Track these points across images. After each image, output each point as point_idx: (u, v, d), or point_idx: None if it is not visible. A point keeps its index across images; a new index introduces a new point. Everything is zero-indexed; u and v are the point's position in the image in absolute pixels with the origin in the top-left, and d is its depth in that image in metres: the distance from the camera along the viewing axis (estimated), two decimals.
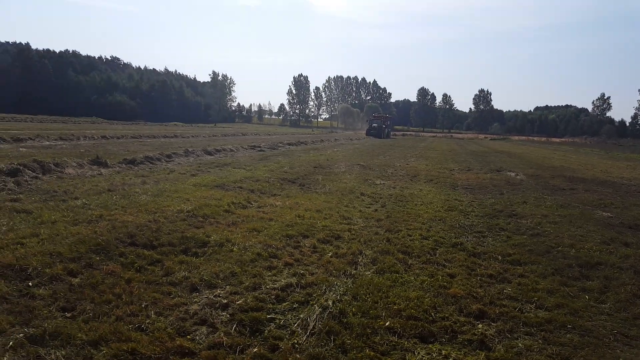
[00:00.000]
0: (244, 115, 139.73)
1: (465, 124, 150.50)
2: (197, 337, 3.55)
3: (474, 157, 27.55)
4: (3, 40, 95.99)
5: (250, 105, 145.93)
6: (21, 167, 10.06)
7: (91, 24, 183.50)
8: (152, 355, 3.22)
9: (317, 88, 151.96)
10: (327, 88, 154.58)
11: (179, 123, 72.41)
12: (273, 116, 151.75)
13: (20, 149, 15.81)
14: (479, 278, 5.12)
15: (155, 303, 4.06)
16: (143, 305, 3.98)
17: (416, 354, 3.42)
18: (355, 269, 5.29)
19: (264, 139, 34.05)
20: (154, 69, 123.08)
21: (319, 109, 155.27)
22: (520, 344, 3.63)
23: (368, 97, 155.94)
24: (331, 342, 3.52)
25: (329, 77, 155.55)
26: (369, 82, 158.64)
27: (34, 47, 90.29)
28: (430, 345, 3.56)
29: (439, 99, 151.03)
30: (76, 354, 3.16)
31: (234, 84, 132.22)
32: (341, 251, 5.96)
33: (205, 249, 5.68)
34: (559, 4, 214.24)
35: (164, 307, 4.00)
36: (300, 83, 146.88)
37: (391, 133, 70.30)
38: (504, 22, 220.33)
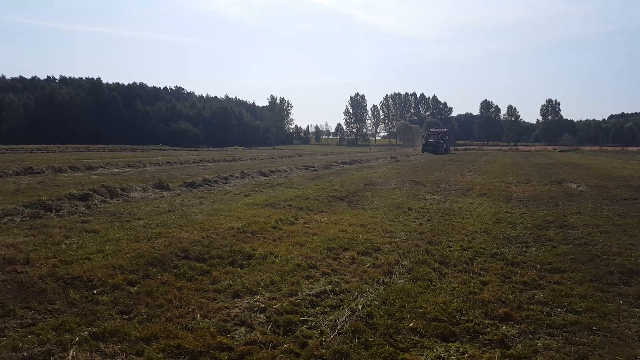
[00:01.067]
0: (302, 137, 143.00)
1: (532, 136, 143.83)
2: (236, 336, 4.02)
3: (537, 169, 26.47)
4: (77, 76, 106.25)
5: (308, 126, 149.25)
6: (91, 192, 11.32)
7: (158, 56, 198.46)
8: (195, 350, 3.72)
9: (374, 106, 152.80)
10: (385, 106, 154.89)
11: (239, 147, 75.77)
12: (330, 136, 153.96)
13: (92, 176, 17.60)
14: (512, 285, 5.19)
15: (201, 307, 4.60)
16: (191, 309, 4.53)
17: (434, 350, 3.65)
18: (390, 277, 5.56)
19: (318, 159, 34.89)
20: (215, 96, 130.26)
21: (376, 127, 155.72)
22: (539, 343, 3.73)
23: (427, 113, 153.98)
24: (355, 340, 3.84)
25: (386, 95, 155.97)
26: (428, 98, 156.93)
27: (105, 81, 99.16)
28: (449, 344, 3.77)
29: (503, 111, 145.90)
30: (130, 348, 3.73)
31: (291, 107, 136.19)
32: (378, 262, 6.25)
33: (250, 261, 6.22)
34: (627, 7, 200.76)
35: (209, 310, 4.52)
36: (357, 102, 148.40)
37: (450, 148, 67.72)
38: (568, 29, 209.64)
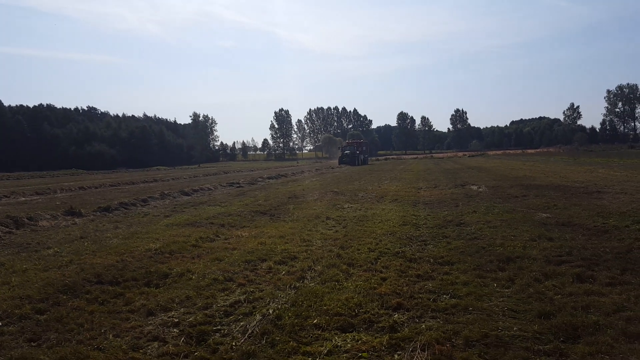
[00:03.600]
0: (229, 154, 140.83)
1: (445, 144, 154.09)
2: (149, 351, 4.15)
3: (445, 174, 28.61)
4: None
5: (234, 143, 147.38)
6: None
7: (66, 76, 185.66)
8: None
9: (299, 121, 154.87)
10: (309, 120, 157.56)
11: (162, 167, 72.89)
12: (258, 152, 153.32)
13: None
14: (407, 279, 5.82)
15: (113, 328, 4.65)
16: (102, 330, 4.56)
17: (333, 341, 4.07)
18: (302, 282, 5.95)
19: (244, 175, 34.79)
20: (132, 115, 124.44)
21: (302, 141, 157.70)
22: (423, 326, 4.30)
23: (350, 126, 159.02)
24: (263, 340, 4.15)
25: (310, 109, 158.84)
26: (350, 111, 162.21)
27: (6, 103, 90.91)
28: (347, 334, 4.22)
29: (418, 121, 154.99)
30: None
31: (216, 124, 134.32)
32: (293, 269, 6.61)
33: (167, 280, 6.29)
34: (519, 25, 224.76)
35: (122, 330, 4.59)
36: (282, 117, 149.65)
37: (369, 158, 67.21)
38: (472, 43, 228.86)
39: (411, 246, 7.78)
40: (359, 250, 7.61)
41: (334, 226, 10.39)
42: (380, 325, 4.40)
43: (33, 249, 8.51)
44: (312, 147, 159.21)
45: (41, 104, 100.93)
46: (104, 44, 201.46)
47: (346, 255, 7.25)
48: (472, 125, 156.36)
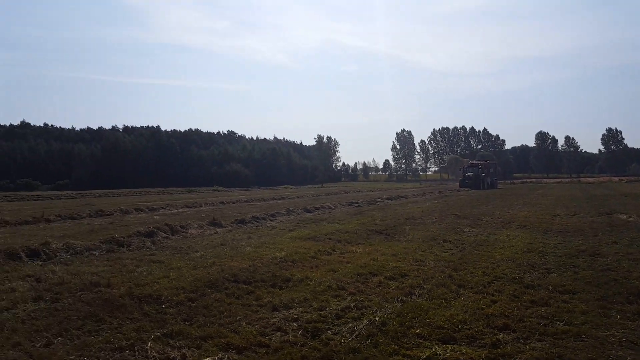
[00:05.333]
0: (350, 174, 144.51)
1: (596, 167, 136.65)
2: (273, 338, 5.00)
3: (590, 201, 25.87)
4: (138, 125, 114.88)
5: (355, 163, 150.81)
6: (155, 230, 12.90)
7: (212, 104, 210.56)
8: (240, 345, 4.74)
9: (422, 141, 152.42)
10: (433, 140, 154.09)
11: (288, 186, 78.13)
12: (379, 172, 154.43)
13: (155, 216, 19.51)
14: (520, 303, 5.85)
15: (246, 317, 5.65)
16: (238, 318, 5.59)
17: (433, 349, 4.45)
18: (409, 297, 6.37)
19: (364, 195, 35.75)
20: (264, 138, 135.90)
21: (426, 162, 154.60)
22: (527, 346, 4.43)
23: (479, 146, 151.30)
24: (368, 341, 4.72)
25: (434, 130, 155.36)
26: (479, 131, 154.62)
27: (163, 128, 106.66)
28: (448, 345, 4.56)
29: (561, 141, 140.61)
30: (191, 343, 4.81)
31: (338, 145, 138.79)
32: (402, 285, 7.06)
33: (289, 283, 7.24)
34: None
35: (252, 319, 5.56)
36: (404, 138, 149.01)
37: (497, 182, 59.44)
38: (628, 55, 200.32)
39: (531, 273, 7.62)
40: (472, 273, 7.72)
41: (450, 249, 10.49)
42: (482, 341, 4.64)
43: (185, 252, 10.28)
44: (436, 169, 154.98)
45: (190, 128, 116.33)
46: (242, 74, 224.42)
47: (458, 277, 7.43)
48: (629, 146, 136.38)
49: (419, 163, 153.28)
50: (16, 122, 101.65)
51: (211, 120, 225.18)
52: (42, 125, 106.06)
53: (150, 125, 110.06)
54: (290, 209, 20.32)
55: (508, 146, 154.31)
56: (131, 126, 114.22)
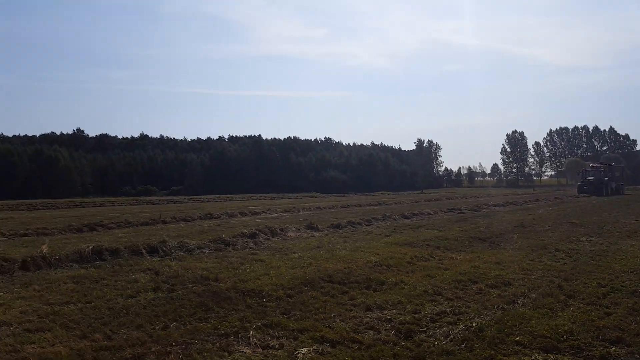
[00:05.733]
0: (453, 180, 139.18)
1: None
2: (366, 336, 5.21)
3: None
4: (242, 135, 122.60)
5: (459, 168, 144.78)
6: (257, 232, 13.84)
7: (309, 112, 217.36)
8: (334, 339, 5.03)
9: (536, 143, 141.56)
10: (549, 142, 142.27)
11: (386, 192, 77.67)
12: (487, 177, 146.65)
13: (257, 220, 20.83)
14: (638, 317, 5.36)
15: (340, 315, 5.93)
16: (332, 315, 5.90)
17: (532, 357, 4.32)
18: (511, 305, 6.16)
19: (467, 202, 34.37)
20: (361, 144, 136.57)
21: (540, 166, 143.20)
22: None
23: (604, 148, 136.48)
24: (462, 345, 4.71)
25: (550, 130, 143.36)
26: (604, 130, 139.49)
27: (264, 137, 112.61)
28: (550, 354, 4.38)
29: None
30: (289, 334, 5.21)
31: (440, 149, 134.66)
32: (504, 293, 6.83)
33: (383, 286, 7.40)
34: None
35: (346, 317, 5.83)
36: (515, 140, 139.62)
37: (624, 187, 51.89)
38: None
39: None
40: (585, 284, 7.19)
41: (562, 258, 9.81)
42: (589, 353, 4.39)
43: (284, 252, 10.93)
44: (552, 173, 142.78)
45: (289, 136, 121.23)
46: (339, 80, 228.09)
47: (568, 288, 6.99)
48: None
49: (533, 167, 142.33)
50: (136, 135, 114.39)
51: (309, 128, 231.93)
52: (159, 137, 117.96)
53: (252, 135, 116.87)
54: (387, 214, 20.34)
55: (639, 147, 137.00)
56: (235, 136, 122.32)
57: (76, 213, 26.09)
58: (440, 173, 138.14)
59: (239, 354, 4.66)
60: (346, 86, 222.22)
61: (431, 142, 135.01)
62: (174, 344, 4.87)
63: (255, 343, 4.96)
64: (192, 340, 4.99)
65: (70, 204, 35.37)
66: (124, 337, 5.07)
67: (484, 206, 27.78)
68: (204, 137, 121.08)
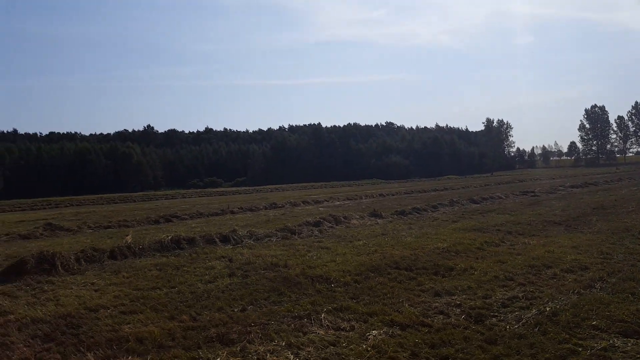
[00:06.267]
0: (526, 161, 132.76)
1: None
2: (435, 320, 5.37)
3: None
4: (302, 124, 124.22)
5: (533, 148, 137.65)
6: (321, 220, 14.23)
7: (369, 96, 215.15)
8: (403, 323, 5.23)
9: (619, 118, 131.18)
10: (634, 116, 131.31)
11: (452, 176, 75.79)
12: (563, 157, 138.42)
13: (320, 208, 21.29)
14: None
15: (408, 299, 6.12)
16: (400, 300, 6.10)
17: (611, 341, 4.28)
18: (589, 290, 6.04)
19: (542, 184, 32.84)
20: (425, 127, 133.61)
21: (624, 143, 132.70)
22: None
23: None
24: (535, 329, 4.75)
25: (636, 103, 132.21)
26: None
27: (324, 125, 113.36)
28: (630, 339, 4.32)
29: None
30: (358, 318, 5.49)
31: (511, 129, 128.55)
32: (581, 278, 6.68)
33: (452, 272, 7.47)
34: None
35: (414, 302, 6.01)
36: (595, 115, 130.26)
37: None
38: None
39: None
40: None
41: None
42: None
43: (348, 240, 11.22)
44: (639, 150, 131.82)
45: (349, 123, 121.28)
46: (400, 62, 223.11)
47: None
48: None
49: (615, 144, 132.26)
50: (202, 129, 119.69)
51: (369, 113, 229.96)
52: (222, 129, 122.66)
53: (312, 123, 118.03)
54: (454, 199, 20.02)
55: None
56: (295, 125, 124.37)
57: (151, 205, 28.02)
58: (512, 154, 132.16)
59: (313, 334, 5.00)
60: (407, 68, 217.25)
61: (501, 121, 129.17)
62: (252, 324, 5.31)
63: (327, 325, 5.28)
64: (269, 322, 5.41)
65: (145, 197, 37.93)
66: (207, 318, 5.60)
67: (560, 187, 26.49)
68: (265, 128, 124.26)
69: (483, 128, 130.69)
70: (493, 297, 6.02)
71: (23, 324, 5.67)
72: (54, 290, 7.29)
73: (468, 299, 6.03)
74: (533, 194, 23.32)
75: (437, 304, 5.89)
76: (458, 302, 5.88)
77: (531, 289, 6.26)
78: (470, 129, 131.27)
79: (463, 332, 4.90)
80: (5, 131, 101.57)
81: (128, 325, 5.47)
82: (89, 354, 4.65)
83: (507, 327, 4.92)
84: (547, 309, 5.33)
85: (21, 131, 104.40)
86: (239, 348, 4.67)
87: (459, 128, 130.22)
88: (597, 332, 4.54)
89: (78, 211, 25.58)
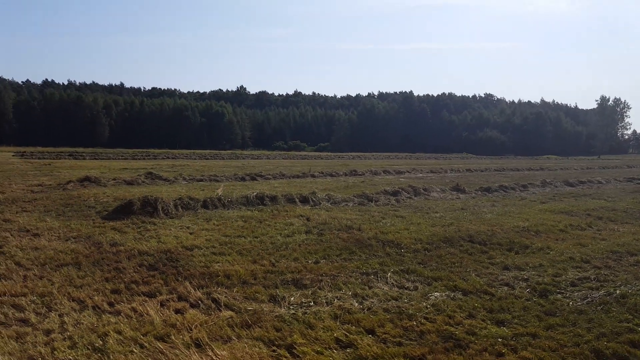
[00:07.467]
0: None
1: None
2: (499, 291, 5.68)
3: None
4: (392, 91, 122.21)
5: None
6: (400, 190, 14.60)
7: (469, 65, 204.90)
8: (466, 289, 5.63)
9: None
10: None
11: (552, 156, 71.33)
12: None
13: (400, 179, 21.55)
14: None
15: (475, 270, 6.46)
16: (467, 270, 6.46)
17: None
18: None
19: None
20: (528, 101, 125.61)
21: None
22: None
23: None
24: (599, 307, 4.93)
25: None
26: None
27: (416, 94, 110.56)
28: None
29: None
30: (423, 280, 5.96)
31: (629, 108, 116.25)
32: None
33: (526, 250, 7.62)
34: None
35: (481, 273, 6.34)
36: None
37: None
38: None
39: None
40: None
41: None
42: None
43: (425, 211, 11.55)
44: None
45: (443, 92, 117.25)
46: (508, 29, 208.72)
47: None
48: None
49: None
50: (290, 92, 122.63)
51: (467, 84, 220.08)
52: (311, 93, 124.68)
53: (403, 91, 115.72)
54: (547, 180, 19.26)
55: None
56: (385, 92, 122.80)
57: (238, 164, 30.04)
58: (627, 137, 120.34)
59: (378, 289, 5.58)
60: (517, 36, 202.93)
61: (618, 99, 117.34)
62: (324, 275, 6.01)
63: (392, 283, 5.84)
64: (339, 274, 6.08)
65: (233, 156, 40.60)
66: (285, 265, 6.41)
67: None
68: (353, 94, 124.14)
69: (596, 106, 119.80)
70: (563, 276, 6.17)
71: (132, 254, 6.85)
72: (155, 229, 8.58)
73: (537, 275, 6.24)
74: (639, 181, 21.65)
75: (503, 277, 6.17)
76: (526, 277, 6.13)
77: (606, 273, 6.30)
78: (580, 107, 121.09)
79: (524, 303, 5.20)
80: (113, 84, 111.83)
81: (218, 264, 6.44)
82: (186, 282, 5.64)
83: (570, 303, 5.14)
84: (617, 291, 5.43)
85: (127, 85, 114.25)
86: (310, 292, 5.40)
87: (567, 105, 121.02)
88: None
89: (174, 163, 28.22)
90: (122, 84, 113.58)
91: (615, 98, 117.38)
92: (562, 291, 5.61)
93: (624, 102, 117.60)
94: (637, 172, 28.67)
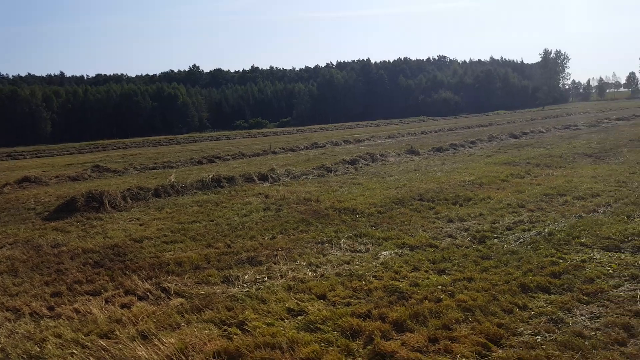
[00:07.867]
0: (581, 93, 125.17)
1: None
2: (443, 242, 6.05)
3: None
4: (350, 60, 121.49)
5: (589, 80, 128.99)
6: (358, 158, 14.89)
7: (420, 29, 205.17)
8: (413, 245, 5.97)
9: None
10: None
11: (502, 111, 73.26)
12: (621, 89, 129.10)
13: (360, 147, 21.87)
14: None
15: (423, 226, 6.82)
16: (415, 227, 6.81)
17: (591, 254, 4.85)
18: (591, 214, 6.49)
19: (588, 117, 31.64)
20: (478, 60, 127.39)
21: None
22: None
23: None
24: (529, 246, 5.36)
25: None
26: None
27: (373, 61, 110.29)
28: (608, 252, 4.87)
29: None
30: (374, 242, 6.27)
31: (569, 60, 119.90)
32: (589, 204, 7.12)
33: (469, 202, 8.06)
34: None
35: (428, 228, 6.71)
36: None
37: None
38: None
39: None
40: None
41: None
42: None
43: (381, 176, 11.88)
44: None
45: (399, 57, 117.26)
46: None
47: None
48: None
49: None
50: (247, 68, 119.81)
51: (421, 47, 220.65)
52: (268, 68, 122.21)
53: (361, 59, 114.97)
54: (494, 135, 20.00)
55: None
56: (343, 61, 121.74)
57: (195, 147, 29.50)
58: (567, 87, 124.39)
59: (332, 255, 5.84)
60: None
61: (559, 52, 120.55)
62: (279, 249, 6.21)
63: (346, 248, 6.11)
64: (295, 247, 6.29)
65: (190, 139, 39.66)
66: (240, 245, 6.51)
67: (605, 121, 25.61)
68: (311, 66, 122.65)
69: (540, 60, 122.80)
70: (500, 222, 6.61)
71: (75, 253, 6.50)
72: (102, 225, 8.21)
73: (477, 224, 6.65)
74: (575, 127, 22.79)
75: (448, 229, 6.56)
76: (467, 227, 6.53)
77: (538, 214, 6.79)
78: (525, 61, 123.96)
79: (464, 250, 5.58)
80: (52, 74, 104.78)
81: (169, 253, 6.33)
82: (133, 275, 5.50)
83: (505, 245, 5.56)
84: (546, 230, 5.89)
85: (68, 74, 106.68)
86: (265, 267, 5.54)
87: (514, 60, 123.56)
88: (582, 248, 5.10)
89: (124, 153, 27.27)
90: (62, 74, 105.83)
91: (556, 51, 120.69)
92: (499, 236, 6.03)
93: (564, 54, 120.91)
94: (574, 120, 30.01)
